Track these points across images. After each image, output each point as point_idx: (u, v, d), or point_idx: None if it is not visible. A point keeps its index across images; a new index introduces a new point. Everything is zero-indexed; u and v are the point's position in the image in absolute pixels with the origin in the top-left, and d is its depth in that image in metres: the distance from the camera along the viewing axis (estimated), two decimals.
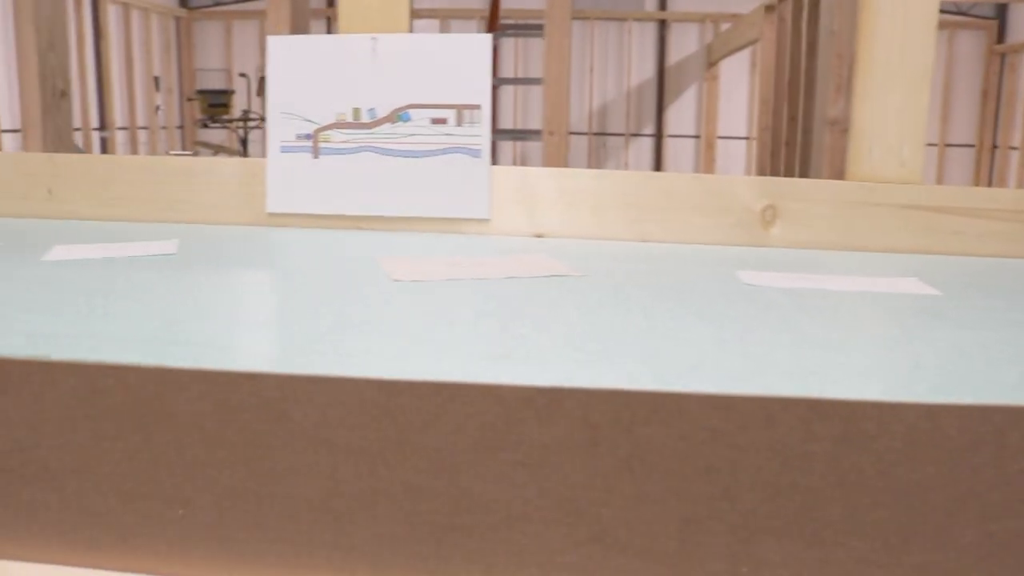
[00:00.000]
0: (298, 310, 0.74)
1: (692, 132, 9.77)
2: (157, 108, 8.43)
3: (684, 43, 9.68)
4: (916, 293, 0.91)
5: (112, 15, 8.30)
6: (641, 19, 9.60)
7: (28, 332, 0.64)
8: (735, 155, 9.66)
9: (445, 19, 9.49)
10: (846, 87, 1.47)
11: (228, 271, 0.92)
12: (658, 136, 9.80)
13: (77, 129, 7.82)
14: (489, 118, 1.16)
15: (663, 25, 9.65)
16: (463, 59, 1.15)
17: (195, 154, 7.11)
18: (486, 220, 1.19)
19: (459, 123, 1.16)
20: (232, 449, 0.57)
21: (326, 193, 1.19)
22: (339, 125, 1.17)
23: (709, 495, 0.55)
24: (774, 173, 6.16)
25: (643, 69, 9.77)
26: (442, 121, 1.16)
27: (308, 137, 1.19)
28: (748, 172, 9.60)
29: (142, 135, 9.04)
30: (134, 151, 8.82)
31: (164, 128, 9.24)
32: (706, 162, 9.56)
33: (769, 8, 6.43)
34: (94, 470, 0.58)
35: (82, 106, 7.99)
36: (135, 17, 8.66)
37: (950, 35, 9.25)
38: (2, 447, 0.59)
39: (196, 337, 0.64)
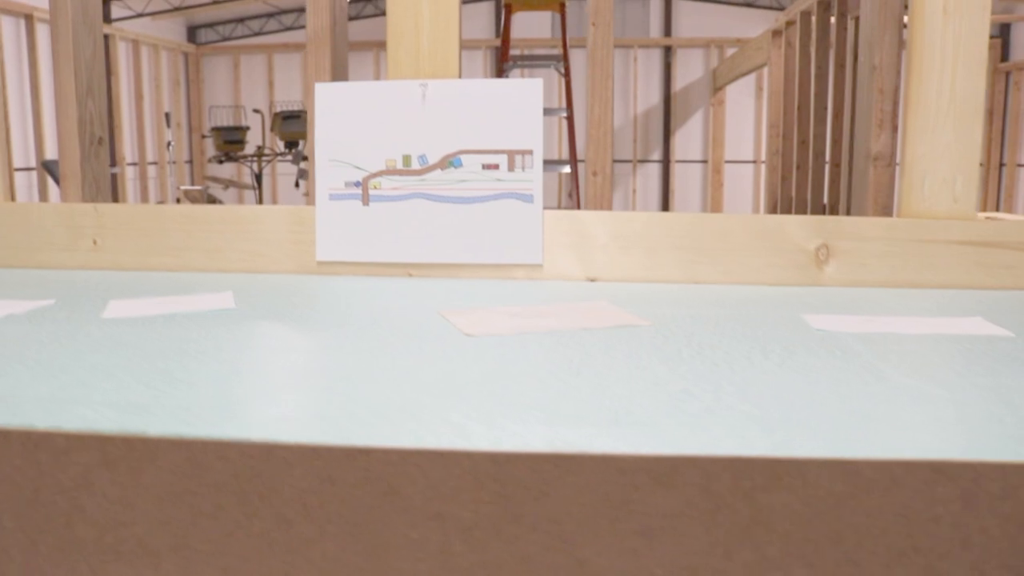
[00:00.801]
0: (385, 372, 0.73)
1: (699, 157, 9.79)
2: (168, 144, 8.45)
3: (690, 68, 9.73)
4: (988, 335, 0.90)
5: (122, 51, 8.35)
6: (647, 45, 9.65)
7: (116, 403, 0.63)
8: (742, 179, 9.68)
9: None
10: (889, 122, 1.47)
11: (295, 328, 0.91)
12: (665, 162, 9.82)
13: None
14: (541, 163, 1.15)
15: (668, 51, 9.70)
16: (514, 104, 1.14)
17: (206, 189, 7.13)
18: (539, 265, 1.18)
19: (511, 168, 1.15)
20: (339, 525, 0.55)
21: (376, 241, 1.18)
22: (389, 172, 1.17)
23: (834, 560, 0.53)
24: (785, 197, 6.16)
25: (649, 95, 9.81)
26: (494, 166, 1.15)
27: (357, 184, 1.18)
28: (756, 196, 9.61)
29: (151, 170, 9.07)
30: (143, 186, 8.85)
31: (172, 163, 9.27)
32: (714, 186, 9.58)
33: (776, 33, 6.46)
34: (193, 547, 0.57)
35: None
36: (145, 53, 8.71)
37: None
38: (99, 523, 0.58)
39: (288, 408, 0.63)
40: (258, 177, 6.71)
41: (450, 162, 1.16)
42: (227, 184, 7.29)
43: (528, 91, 1.14)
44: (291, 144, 6.30)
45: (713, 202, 9.63)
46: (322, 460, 0.55)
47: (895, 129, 1.57)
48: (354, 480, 0.55)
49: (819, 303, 1.07)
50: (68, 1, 1.53)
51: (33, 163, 7.40)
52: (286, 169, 8.80)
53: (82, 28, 1.55)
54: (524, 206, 1.16)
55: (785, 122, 6.21)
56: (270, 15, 10.16)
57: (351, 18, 10.27)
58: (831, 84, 5.05)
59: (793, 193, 5.96)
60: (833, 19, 4.98)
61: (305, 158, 6.52)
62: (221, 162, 6.68)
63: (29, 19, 7.16)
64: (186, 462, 0.56)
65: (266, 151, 6.84)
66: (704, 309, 1.01)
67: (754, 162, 9.66)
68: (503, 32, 5.68)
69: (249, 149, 7.18)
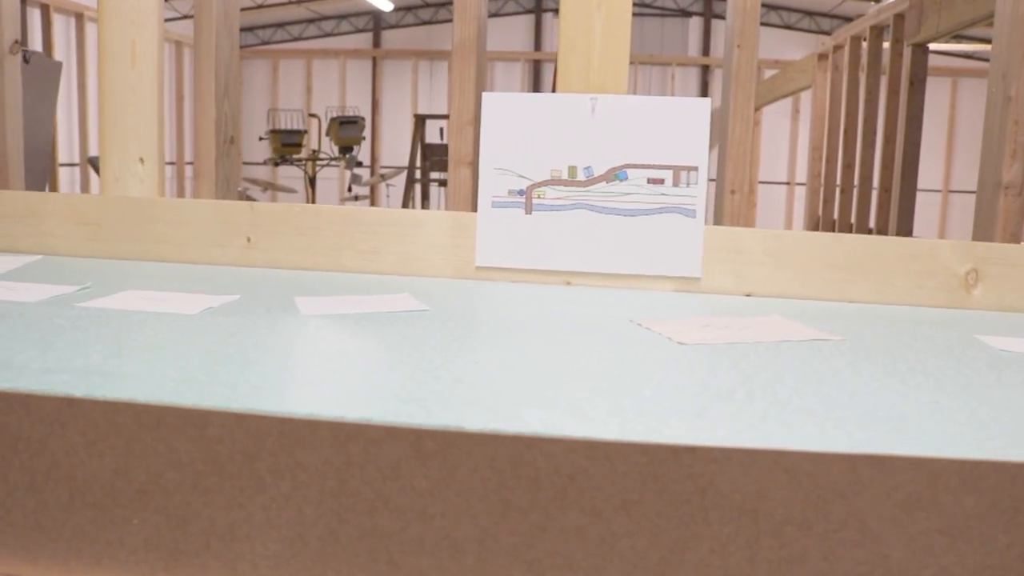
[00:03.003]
0: (655, 375, 0.75)
1: None
2: None
3: None
4: None
5: (166, 53, 8.44)
6: (684, 64, 9.71)
7: (398, 396, 0.66)
8: (775, 200, 9.70)
9: (491, 61, 9.60)
10: (1023, 152, 1.51)
11: (504, 332, 0.94)
12: None
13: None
14: (705, 179, 1.18)
15: (706, 70, 9.74)
16: (682, 121, 1.17)
17: (245, 190, 7.18)
18: (697, 279, 1.21)
19: (675, 183, 1.18)
20: (652, 519, 0.58)
21: (537, 248, 1.21)
22: (554, 182, 1.20)
23: None
24: (826, 219, 6.18)
25: None
26: (659, 181, 1.18)
27: (521, 193, 1.21)
28: (789, 217, 9.64)
29: (188, 170, 9.14)
30: (180, 187, 8.92)
31: None
32: (747, 207, 9.60)
33: (822, 56, 6.49)
34: (499, 540, 0.60)
35: None
36: (187, 55, 8.79)
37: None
38: (403, 515, 0.61)
39: (588, 404, 0.66)
40: (312, 180, 6.76)
41: (616, 175, 1.19)
42: (266, 186, 7.34)
43: (696, 109, 1.18)
44: (345, 149, 6.36)
45: (746, 222, 9.64)
46: (647, 457, 0.57)
47: None
48: (675, 476, 0.57)
49: (981, 325, 1.09)
50: (213, 2, 1.57)
51: (77, 159, 7.48)
52: (326, 174, 8.87)
53: (223, 30, 1.59)
54: (687, 220, 1.19)
55: (829, 145, 6.23)
56: (311, 21, 10.25)
57: (390, 27, 10.35)
58: (882, 109, 5.07)
59: (836, 216, 5.99)
60: (886, 44, 5.01)
61: (359, 163, 6.59)
62: (276, 164, 6.74)
63: (79, 18, 7.24)
64: (503, 457, 0.59)
65: (321, 155, 6.90)
66: (877, 326, 1.04)
67: (787, 183, 9.68)
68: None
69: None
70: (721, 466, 0.57)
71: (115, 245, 1.38)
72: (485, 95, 1.21)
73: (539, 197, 1.21)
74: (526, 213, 1.21)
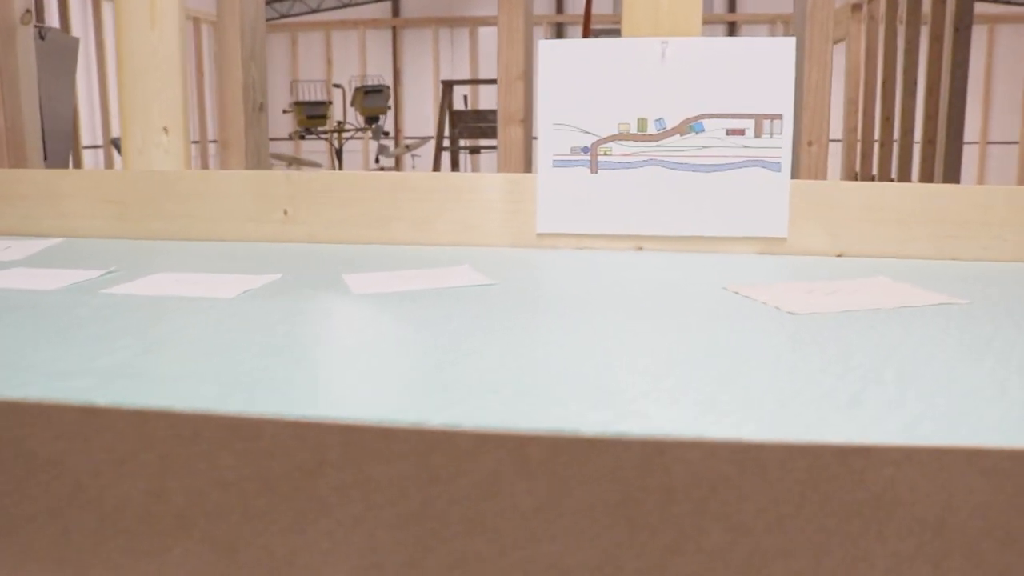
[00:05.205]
0: (759, 355, 0.64)
1: None
2: None
3: None
4: None
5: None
6: (710, 21, 9.47)
7: (488, 393, 0.55)
8: None
9: None
10: None
11: (589, 307, 0.82)
12: None
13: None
14: (791, 129, 1.06)
15: (733, 27, 9.51)
16: (764, 65, 1.05)
17: (271, 166, 7.08)
18: (783, 239, 1.09)
19: (757, 134, 1.06)
20: (810, 534, 0.47)
21: (604, 211, 1.09)
22: (621, 137, 1.08)
23: None
24: (864, 174, 6.01)
25: None
26: (739, 132, 1.06)
27: (585, 151, 1.09)
28: (824, 174, 9.42)
29: (211, 148, 9.05)
30: (204, 165, 8.83)
31: None
32: (824, 160, 9.37)
33: (856, 7, 6.28)
34: (623, 568, 0.49)
35: None
36: (205, 31, 8.67)
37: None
38: (503, 538, 0.50)
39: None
40: (338, 152, 6.63)
41: (691, 127, 1.06)
42: (291, 161, 7.23)
43: (780, 50, 1.05)
44: (371, 119, 6.22)
45: (822, 176, 9.41)
46: (807, 460, 0.46)
47: None
48: (842, 484, 0.46)
49: None
50: None
51: (100, 141, 7.41)
52: (351, 146, 8.75)
53: None
54: (771, 175, 1.06)
55: (865, 98, 6.04)
56: None
57: None
58: (923, 59, 4.88)
59: (875, 172, 5.81)
60: None
61: (386, 133, 6.44)
62: (302, 137, 6.61)
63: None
64: (628, 465, 0.47)
65: (347, 126, 6.76)
66: (998, 287, 0.91)
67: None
68: (586, 6, 5.54)
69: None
70: (900, 469, 0.45)
71: (142, 224, 1.27)
72: (541, 42, 1.09)
73: (605, 154, 1.09)
74: (591, 172, 1.09)
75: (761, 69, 1.05)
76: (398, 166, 9.29)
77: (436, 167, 6.93)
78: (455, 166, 7.31)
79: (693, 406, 0.51)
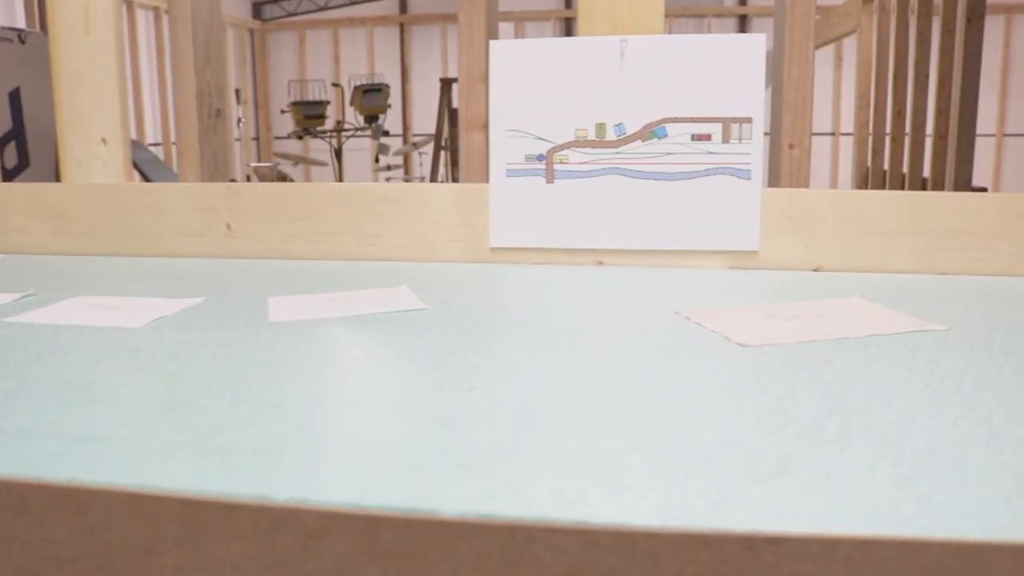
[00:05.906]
0: (686, 402, 0.56)
1: None
2: (239, 121, 8.36)
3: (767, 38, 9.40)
4: None
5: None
6: (721, 14, 9.35)
7: (348, 461, 0.47)
8: (819, 152, 9.36)
9: (520, 22, 9.32)
10: None
11: (517, 337, 0.75)
12: None
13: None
14: (761, 133, 0.97)
15: (743, 20, 9.38)
16: (732, 64, 0.97)
17: (276, 165, 7.02)
18: (753, 252, 1.01)
19: (725, 139, 0.98)
20: None
21: (561, 224, 1.01)
22: (579, 143, 1.00)
23: None
24: (876, 169, 5.90)
25: None
26: (705, 137, 0.98)
27: (540, 159, 1.01)
28: (834, 169, 9.30)
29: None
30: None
31: (238, 140, 9.19)
32: (806, 163, 9.25)
33: None
34: None
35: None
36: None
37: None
38: None
39: (584, 460, 0.47)
40: (337, 152, 6.56)
41: (652, 132, 0.98)
42: (297, 160, 7.17)
43: (748, 48, 0.97)
44: (371, 118, 6.14)
45: (804, 181, 9.30)
46: (709, 553, 0.38)
47: None
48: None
49: None
50: None
51: None
52: (356, 145, 8.68)
53: None
54: (740, 183, 0.98)
55: (877, 92, 5.93)
56: None
57: None
58: (935, 51, 4.77)
59: (886, 167, 5.69)
60: None
61: (386, 132, 6.37)
62: (300, 137, 6.54)
63: None
64: (494, 553, 0.40)
65: (346, 125, 6.68)
66: (982, 306, 0.83)
67: (832, 134, 9.35)
68: None
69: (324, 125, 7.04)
70: (820, 564, 0.38)
71: (81, 240, 1.20)
72: (493, 43, 1.01)
73: (562, 162, 1.01)
74: (547, 182, 1.01)
75: (729, 69, 0.97)
76: (406, 164, 9.22)
77: (435, 167, 6.85)
78: (455, 165, 7.22)
79: (584, 477, 0.43)
